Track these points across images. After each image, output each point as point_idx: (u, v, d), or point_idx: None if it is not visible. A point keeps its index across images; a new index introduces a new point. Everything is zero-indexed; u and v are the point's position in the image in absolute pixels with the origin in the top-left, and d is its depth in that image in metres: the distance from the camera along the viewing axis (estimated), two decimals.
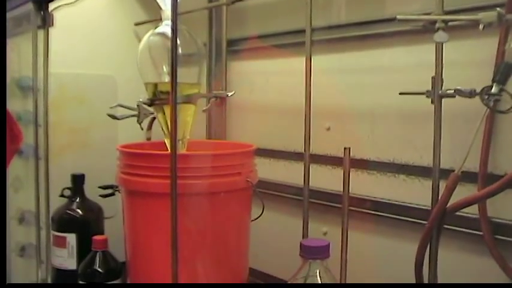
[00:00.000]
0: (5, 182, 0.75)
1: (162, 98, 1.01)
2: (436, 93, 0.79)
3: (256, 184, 0.98)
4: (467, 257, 0.89)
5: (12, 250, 1.42)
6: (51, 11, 1.16)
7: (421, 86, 0.84)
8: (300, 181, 0.95)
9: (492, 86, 0.74)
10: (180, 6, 0.67)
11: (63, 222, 1.15)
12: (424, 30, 0.79)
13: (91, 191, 1.17)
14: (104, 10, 1.38)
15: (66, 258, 1.13)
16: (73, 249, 1.12)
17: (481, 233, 0.84)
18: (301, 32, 0.94)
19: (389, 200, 1.00)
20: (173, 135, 0.67)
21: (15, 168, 1.24)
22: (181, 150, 1.02)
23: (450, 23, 0.76)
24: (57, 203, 1.17)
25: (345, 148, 0.82)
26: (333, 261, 0.74)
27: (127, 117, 1.10)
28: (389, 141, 1.01)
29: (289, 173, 1.19)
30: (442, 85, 0.80)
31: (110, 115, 1.08)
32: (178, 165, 0.67)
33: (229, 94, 1.14)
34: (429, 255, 0.83)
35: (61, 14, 1.21)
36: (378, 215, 1.01)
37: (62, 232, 1.14)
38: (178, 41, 0.68)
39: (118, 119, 1.10)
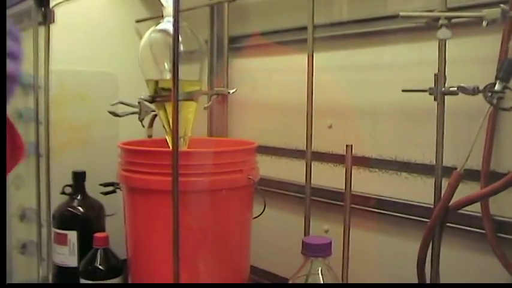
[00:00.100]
0: (5, 182, 0.74)
1: (163, 95, 1.01)
2: (439, 91, 0.79)
3: (258, 182, 0.98)
4: (469, 255, 0.88)
5: (14, 247, 1.42)
6: (52, 7, 1.16)
7: (424, 83, 0.83)
8: (302, 179, 0.95)
9: (495, 84, 0.73)
10: (181, 3, 0.66)
11: (64, 220, 1.15)
12: (427, 27, 0.78)
13: (92, 189, 1.17)
14: (105, 7, 1.38)
15: (67, 255, 1.13)
16: (74, 247, 1.12)
17: (483, 231, 0.84)
18: (303, 29, 0.94)
19: (391, 197, 1.00)
20: (175, 132, 0.67)
21: None
22: (183, 147, 1.02)
23: (453, 20, 0.76)
24: (58, 200, 1.17)
25: (347, 145, 0.82)
26: (335, 259, 0.74)
27: (128, 114, 1.10)
28: (391, 138, 1.01)
29: (291, 171, 1.18)
30: (445, 82, 0.79)
31: (111, 112, 1.08)
32: (180, 163, 0.67)
33: (231, 91, 1.14)
34: (431, 253, 0.82)
35: (62, 11, 1.21)
36: (379, 212, 1.01)
37: (63, 229, 1.14)
38: (179, 38, 0.68)
39: (119, 116, 1.10)
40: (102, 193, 1.13)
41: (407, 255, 0.85)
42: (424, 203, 0.92)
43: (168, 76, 1.01)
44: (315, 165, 0.95)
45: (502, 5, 0.70)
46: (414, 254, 0.83)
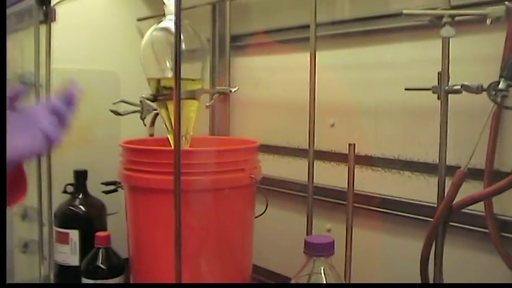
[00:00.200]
0: (5, 181, 0.74)
1: (165, 93, 1.00)
2: (443, 89, 0.78)
3: (260, 180, 0.98)
4: (473, 255, 0.88)
5: (15, 246, 1.42)
6: (53, 5, 1.16)
7: (426, 81, 0.83)
8: (304, 177, 0.94)
9: (499, 82, 0.73)
10: (183, 1, 0.66)
11: (66, 219, 1.15)
12: (430, 25, 0.78)
13: (94, 187, 1.17)
14: (106, 6, 1.38)
15: (69, 254, 1.13)
16: (76, 246, 1.12)
17: (487, 231, 0.83)
18: (305, 27, 0.93)
19: (394, 196, 0.99)
20: (177, 131, 0.66)
21: None
22: (185, 146, 1.01)
23: (456, 18, 0.75)
24: (59, 199, 1.17)
25: (349, 144, 0.81)
26: (337, 258, 0.74)
27: (130, 113, 1.10)
28: (394, 137, 1.00)
29: (293, 170, 1.18)
30: (448, 81, 0.79)
31: (112, 111, 1.08)
32: (182, 162, 0.66)
33: (233, 90, 1.13)
34: (435, 252, 0.82)
35: (64, 10, 1.20)
36: (382, 212, 1.01)
37: (64, 228, 1.14)
38: (181, 37, 0.67)
39: (121, 114, 1.10)
40: (103, 192, 1.13)
41: (410, 254, 0.84)
42: (427, 202, 0.92)
43: (170, 74, 1.00)
44: (317, 164, 0.94)
45: (506, 3, 0.69)
46: (417, 254, 0.82)
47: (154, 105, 1.05)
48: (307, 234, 0.93)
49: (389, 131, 1.01)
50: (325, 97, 0.95)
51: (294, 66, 1.17)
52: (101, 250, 1.03)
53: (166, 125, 1.04)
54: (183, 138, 1.01)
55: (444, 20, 0.73)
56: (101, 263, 1.02)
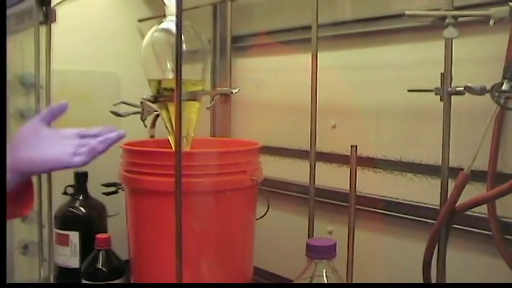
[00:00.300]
0: (5, 181, 0.74)
1: (165, 95, 1.00)
2: (446, 90, 0.78)
3: (261, 182, 0.97)
4: (476, 257, 0.87)
5: (15, 248, 1.42)
6: (54, 6, 1.15)
7: (428, 83, 0.82)
8: (305, 179, 0.94)
9: (503, 83, 0.72)
10: (184, 1, 0.65)
11: (66, 220, 1.14)
12: (431, 26, 0.77)
13: (94, 189, 1.16)
14: (107, 6, 1.37)
15: (69, 256, 1.12)
16: (76, 248, 1.12)
17: (490, 233, 0.83)
18: (307, 28, 0.93)
19: (396, 198, 0.99)
20: (178, 132, 0.66)
21: None
22: (186, 147, 1.01)
23: (459, 19, 0.75)
24: (60, 200, 1.16)
25: (351, 146, 0.81)
26: (339, 261, 0.73)
27: (130, 114, 1.09)
28: (396, 139, 1.00)
29: (294, 171, 1.18)
30: (451, 82, 0.78)
31: (113, 112, 1.08)
32: (183, 163, 0.66)
33: (234, 91, 1.13)
34: (437, 255, 0.81)
35: (64, 10, 1.20)
36: (384, 213, 1.00)
37: (64, 230, 1.13)
38: (182, 37, 0.67)
39: (121, 116, 1.09)
40: (104, 193, 1.12)
41: (413, 256, 0.84)
42: (430, 204, 0.92)
43: (171, 76, 1.00)
44: (319, 166, 0.94)
45: (510, 4, 0.69)
46: (419, 256, 0.82)
47: (155, 106, 1.04)
48: (308, 237, 0.92)
49: (391, 133, 1.01)
50: (327, 98, 0.94)
51: (295, 67, 1.17)
52: (101, 252, 1.02)
53: (167, 127, 1.03)
54: (184, 139, 1.01)
55: (447, 20, 0.73)
56: (101, 265, 1.01)
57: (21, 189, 0.80)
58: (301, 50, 1.08)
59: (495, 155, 0.83)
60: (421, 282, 0.83)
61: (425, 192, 0.94)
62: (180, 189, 0.66)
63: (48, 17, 1.14)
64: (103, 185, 1.12)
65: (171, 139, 1.04)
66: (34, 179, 1.15)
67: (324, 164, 1.09)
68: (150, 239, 0.94)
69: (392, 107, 1.00)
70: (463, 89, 0.77)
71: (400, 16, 0.92)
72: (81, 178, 1.17)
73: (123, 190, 1.01)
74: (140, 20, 1.39)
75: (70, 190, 1.17)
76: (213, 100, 1.16)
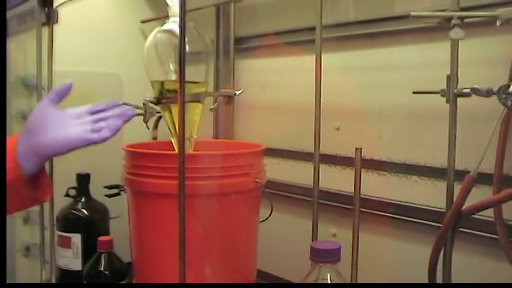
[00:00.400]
0: (5, 182, 0.74)
1: (168, 96, 1.00)
2: (452, 92, 0.77)
3: (265, 184, 0.96)
4: (482, 261, 0.86)
5: (17, 250, 1.41)
6: (56, 7, 1.15)
7: (433, 84, 0.82)
8: (309, 181, 0.93)
9: (510, 85, 0.71)
10: (187, 2, 0.65)
11: (68, 222, 1.14)
12: (435, 27, 0.76)
13: (96, 191, 1.16)
14: (110, 8, 1.37)
15: (71, 258, 1.12)
16: (78, 250, 1.12)
17: (496, 236, 0.82)
18: (310, 29, 0.92)
19: (400, 201, 0.98)
20: (181, 134, 0.65)
21: None
22: (189, 149, 1.00)
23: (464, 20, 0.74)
24: (62, 202, 1.16)
25: (356, 149, 0.80)
26: (343, 264, 0.72)
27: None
28: (400, 141, 0.99)
29: (298, 173, 1.17)
30: (457, 83, 0.77)
31: None
32: (186, 166, 0.65)
33: (238, 93, 1.12)
34: (443, 258, 0.80)
35: (66, 12, 1.20)
36: (388, 216, 0.99)
37: (66, 232, 1.13)
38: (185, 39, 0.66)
39: None
40: (106, 195, 1.11)
41: (417, 260, 0.83)
42: (434, 207, 0.91)
43: (174, 77, 1.00)
44: (323, 168, 0.93)
45: None
46: (424, 259, 0.81)
47: (157, 108, 1.04)
48: (312, 240, 0.92)
49: (395, 134, 1.00)
50: (330, 100, 0.94)
51: (298, 69, 1.16)
52: (103, 255, 1.01)
53: (169, 128, 1.03)
54: (187, 141, 1.00)
55: (453, 21, 0.72)
56: (104, 268, 1.00)
57: (37, 175, 0.82)
58: (305, 52, 1.08)
59: (501, 157, 0.82)
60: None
61: (430, 195, 0.93)
62: (184, 192, 0.65)
63: (51, 18, 1.13)
64: (105, 187, 1.12)
65: (174, 141, 1.03)
66: None
67: (327, 166, 1.09)
68: (153, 242, 0.93)
69: (396, 108, 0.99)
70: (469, 90, 0.76)
71: (403, 17, 0.93)
72: (83, 180, 1.16)
73: (125, 192, 1.01)
74: (143, 21, 1.38)
75: (72, 192, 1.16)
76: (216, 102, 1.16)
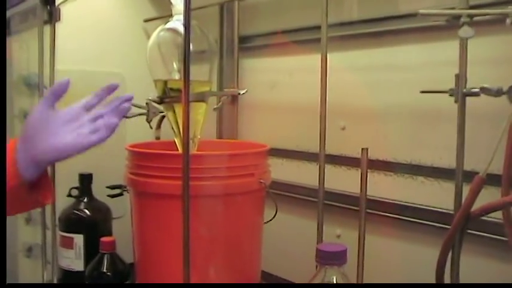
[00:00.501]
0: (5, 182, 0.74)
1: (172, 95, 0.98)
2: (460, 92, 0.76)
3: (269, 185, 0.95)
4: (490, 263, 0.85)
5: (19, 250, 1.40)
6: (58, 5, 1.14)
7: (439, 84, 0.81)
8: (313, 182, 0.92)
9: None
10: (191, 1, 0.64)
11: (70, 223, 1.13)
12: (443, 26, 0.75)
13: (99, 191, 1.15)
14: (113, 7, 1.37)
15: (74, 259, 1.11)
16: (80, 250, 1.11)
17: (505, 239, 0.80)
18: (314, 28, 0.91)
19: (406, 202, 0.97)
20: (185, 134, 0.64)
21: None
22: (192, 150, 0.99)
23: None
24: (64, 203, 1.15)
25: (362, 149, 0.79)
26: (347, 264, 0.71)
27: (136, 115, 1.07)
28: (406, 141, 0.98)
29: (302, 174, 1.16)
30: (466, 83, 0.76)
31: None
32: (190, 166, 0.64)
33: (242, 92, 1.11)
34: (451, 261, 0.79)
35: (69, 10, 1.19)
36: (394, 217, 0.98)
37: (69, 233, 1.12)
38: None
39: (127, 117, 1.07)
40: (109, 196, 1.11)
41: (424, 262, 0.82)
42: (441, 208, 0.90)
43: (177, 76, 0.99)
44: (327, 168, 0.92)
45: None
46: (430, 261, 0.80)
47: (160, 107, 1.03)
48: (317, 241, 0.90)
49: (401, 135, 0.99)
50: (335, 99, 0.93)
51: (302, 68, 1.16)
52: (105, 256, 1.01)
53: (173, 128, 1.02)
54: (191, 141, 0.99)
55: (462, 20, 0.70)
56: (106, 269, 1.00)
57: (40, 178, 0.81)
58: (310, 51, 1.07)
59: (510, 158, 0.80)
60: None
61: (436, 196, 0.92)
62: (188, 193, 0.64)
63: (53, 16, 1.13)
64: (108, 187, 1.11)
65: (178, 141, 1.02)
66: None
67: (332, 166, 1.07)
68: (156, 243, 0.92)
69: (401, 108, 0.98)
70: (478, 90, 0.74)
71: (409, 16, 0.92)
72: (85, 180, 1.16)
73: (128, 192, 1.00)
74: (146, 20, 1.38)
75: (75, 192, 1.16)
76: (219, 101, 1.14)
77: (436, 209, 0.92)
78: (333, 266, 0.69)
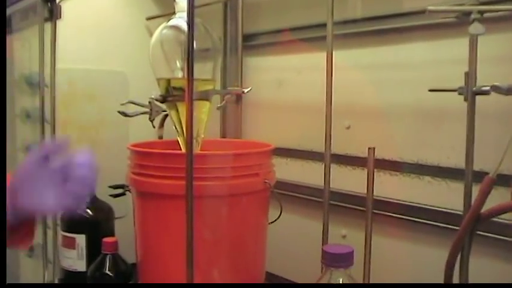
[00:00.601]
0: (5, 182, 0.72)
1: (175, 94, 0.97)
2: (470, 90, 0.74)
3: (274, 185, 0.94)
4: (499, 265, 0.84)
5: (21, 250, 1.39)
6: (59, 2, 1.13)
7: (445, 82, 0.80)
8: (317, 181, 0.91)
9: None
10: None
11: (72, 223, 1.12)
12: (449, 24, 0.74)
13: (101, 191, 1.14)
14: (115, 4, 1.36)
15: (76, 259, 1.10)
16: (82, 251, 1.10)
17: (510, 239, 0.79)
18: (319, 26, 0.90)
19: (413, 202, 0.95)
20: (189, 134, 0.63)
21: None
22: (196, 149, 0.98)
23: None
24: None
25: (369, 148, 0.78)
26: (353, 265, 0.70)
27: (138, 114, 1.07)
28: (412, 140, 0.97)
29: (306, 173, 1.15)
30: (475, 81, 0.75)
31: (120, 112, 1.06)
32: (193, 166, 0.63)
33: (246, 90, 1.10)
34: (460, 263, 0.78)
35: (71, 8, 1.18)
36: (400, 218, 0.97)
37: (71, 233, 1.11)
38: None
39: (129, 116, 1.07)
40: (111, 195, 1.10)
41: (431, 263, 0.81)
42: (449, 209, 0.89)
43: (180, 75, 0.98)
44: (332, 168, 0.91)
45: None
46: (437, 262, 0.78)
47: (163, 106, 1.02)
48: (323, 242, 0.89)
49: (407, 134, 0.97)
50: (340, 98, 0.92)
51: (306, 67, 1.15)
52: (108, 256, 1.00)
53: (176, 127, 1.01)
54: (194, 141, 0.98)
55: (473, 16, 0.69)
56: (108, 270, 0.99)
57: (22, 224, 0.77)
58: (314, 49, 1.06)
59: None
60: None
61: (444, 196, 0.91)
62: (191, 193, 0.63)
63: (53, 14, 1.11)
64: (110, 186, 1.10)
65: (181, 140, 1.01)
66: None
67: (337, 166, 1.06)
68: (159, 243, 0.91)
69: (407, 107, 0.97)
70: (488, 88, 0.73)
71: (414, 14, 0.90)
72: None
73: (130, 192, 0.98)
74: (149, 18, 1.37)
75: None
76: (223, 100, 1.13)
77: (443, 210, 0.90)
78: (339, 269, 0.68)
